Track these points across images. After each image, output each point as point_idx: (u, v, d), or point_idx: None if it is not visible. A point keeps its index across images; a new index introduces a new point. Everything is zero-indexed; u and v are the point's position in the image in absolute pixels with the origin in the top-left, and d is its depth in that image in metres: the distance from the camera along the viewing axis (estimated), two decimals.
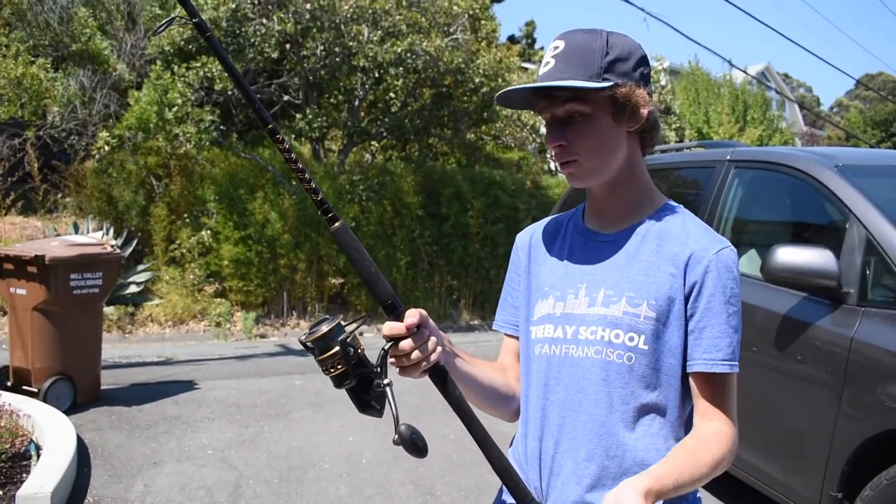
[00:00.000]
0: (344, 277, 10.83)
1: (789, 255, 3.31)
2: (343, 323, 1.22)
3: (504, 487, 1.46)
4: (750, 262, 4.14)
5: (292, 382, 6.85)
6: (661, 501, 1.21)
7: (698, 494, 1.44)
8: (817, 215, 3.90)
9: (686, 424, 1.40)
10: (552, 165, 16.34)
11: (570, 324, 1.40)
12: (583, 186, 1.42)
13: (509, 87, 1.38)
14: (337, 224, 1.24)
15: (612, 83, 1.32)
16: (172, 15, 1.27)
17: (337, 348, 1.18)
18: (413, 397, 5.38)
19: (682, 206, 1.46)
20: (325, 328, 1.19)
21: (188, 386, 6.52)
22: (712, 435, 1.32)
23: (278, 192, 10.56)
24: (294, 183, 10.88)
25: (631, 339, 1.34)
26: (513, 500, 1.40)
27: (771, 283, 3.55)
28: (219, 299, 10.12)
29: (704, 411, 1.35)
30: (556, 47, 1.36)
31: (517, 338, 1.56)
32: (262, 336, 9.83)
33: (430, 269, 11.69)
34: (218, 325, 9.72)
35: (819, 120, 35.75)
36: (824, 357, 3.26)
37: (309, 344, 1.21)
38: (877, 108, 36.10)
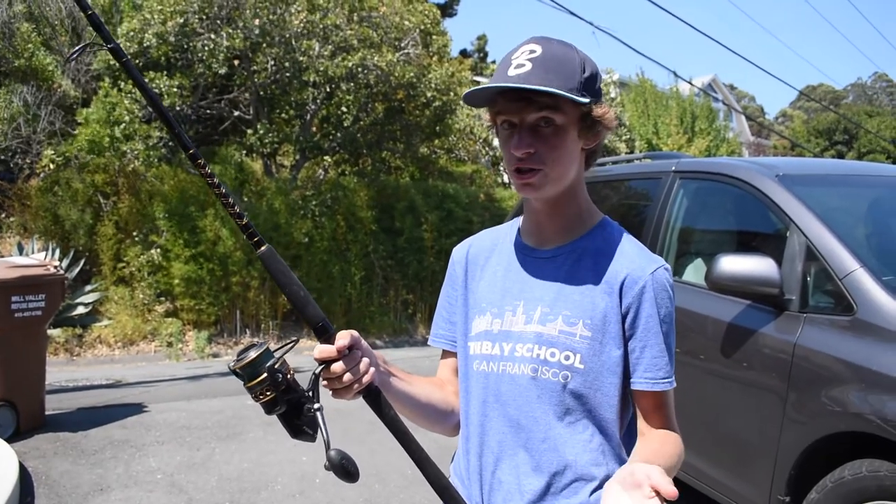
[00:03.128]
0: None
1: (732, 264, 3.36)
2: (271, 349, 1.20)
3: None
4: (696, 271, 4.19)
5: (244, 402, 6.73)
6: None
7: None
8: (760, 224, 3.97)
9: (624, 439, 1.40)
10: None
11: (507, 341, 1.39)
12: (536, 196, 1.39)
13: (483, 85, 1.33)
14: (263, 248, 1.22)
15: (591, 100, 1.32)
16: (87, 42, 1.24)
17: (265, 374, 1.16)
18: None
19: (617, 223, 1.46)
20: (252, 354, 1.17)
21: (137, 409, 6.38)
22: (666, 435, 1.37)
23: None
24: (246, 199, 10.77)
25: (566, 357, 1.34)
26: None
27: (716, 292, 3.59)
28: (170, 319, 9.95)
29: (651, 423, 1.38)
30: (533, 51, 1.32)
31: (453, 353, 1.54)
32: (215, 355, 9.67)
33: (385, 284, 11.65)
34: (170, 345, 9.55)
35: (764, 130, 36.59)
36: (769, 363, 3.31)
37: (238, 370, 1.18)
38: (819, 118, 37.12)
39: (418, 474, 1.32)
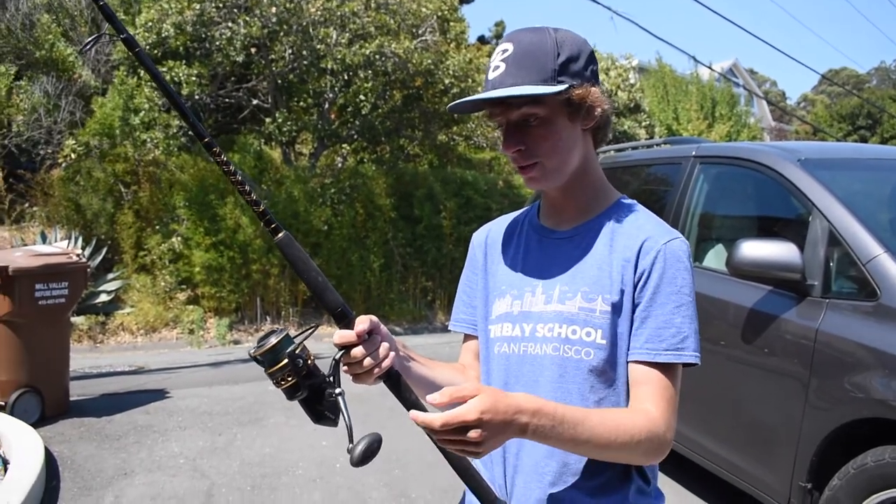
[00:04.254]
0: None
1: (753, 250, 3.33)
2: (291, 335, 1.20)
3: (467, 489, 1.45)
4: (717, 257, 4.16)
5: (265, 388, 6.78)
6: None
7: (656, 484, 1.43)
8: (781, 209, 3.93)
9: None
10: None
11: (528, 322, 1.40)
12: (542, 187, 1.42)
13: (461, 99, 1.38)
14: (280, 235, 1.22)
15: (567, 86, 1.32)
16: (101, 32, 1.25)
17: (286, 360, 1.17)
18: (387, 398, 5.35)
19: (635, 201, 1.47)
20: (272, 340, 1.18)
21: (160, 395, 6.45)
22: (640, 413, 1.28)
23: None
24: (265, 188, 10.81)
25: (588, 334, 1.34)
26: (478, 502, 1.39)
27: (737, 278, 3.57)
28: (191, 306, 10.03)
29: (641, 398, 1.31)
30: (505, 50, 1.34)
31: (476, 337, 1.55)
32: (236, 342, 9.74)
33: (404, 272, 11.67)
34: (191, 332, 9.63)
35: (786, 115, 36.20)
36: (791, 349, 3.28)
37: (258, 357, 1.19)
38: (842, 103, 36.65)
39: (439, 458, 1.33)
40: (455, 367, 1.56)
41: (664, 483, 1.57)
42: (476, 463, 1.48)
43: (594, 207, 1.43)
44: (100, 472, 4.56)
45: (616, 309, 1.34)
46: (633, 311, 1.34)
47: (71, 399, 5.87)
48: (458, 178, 12.67)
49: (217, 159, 1.21)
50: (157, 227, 10.26)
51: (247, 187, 1.19)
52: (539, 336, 1.38)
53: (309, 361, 1.19)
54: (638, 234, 1.37)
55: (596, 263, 1.37)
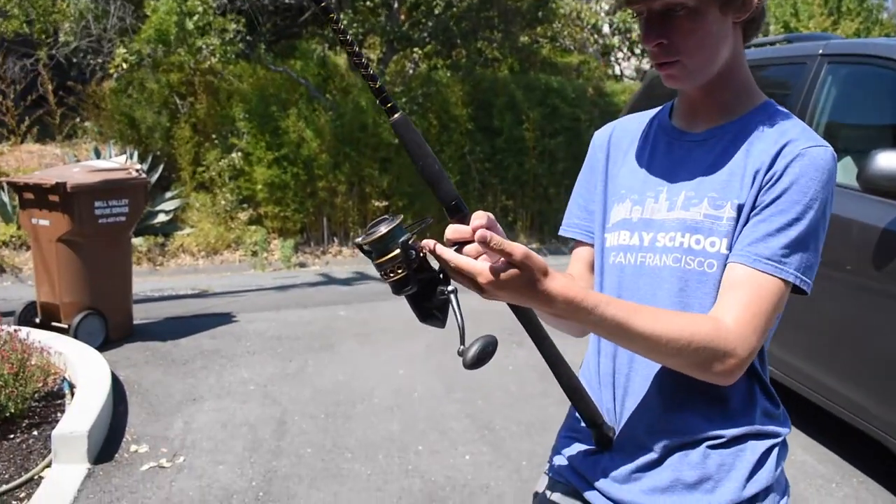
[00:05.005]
0: (388, 200, 10.88)
1: (890, 161, 3.22)
2: (403, 225, 1.20)
3: (573, 409, 1.48)
4: (845, 171, 4.03)
5: (336, 313, 6.98)
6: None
7: (782, 469, 1.42)
8: None
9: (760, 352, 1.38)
10: (617, 69, 16.01)
11: (648, 230, 1.40)
12: (682, 87, 1.40)
13: None
14: (397, 115, 1.21)
15: None
16: None
17: (397, 251, 1.17)
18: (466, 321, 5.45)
19: (783, 107, 1.42)
20: (383, 229, 1.17)
21: (226, 319, 6.70)
22: (708, 319, 1.25)
23: (313, 109, 10.56)
24: (329, 97, 10.86)
25: (712, 244, 1.33)
26: (583, 424, 1.42)
27: (869, 193, 3.47)
28: (254, 227, 10.28)
29: (722, 307, 1.28)
30: None
31: (589, 244, 1.56)
32: (302, 265, 9.99)
33: (482, 189, 11.66)
34: (254, 254, 9.90)
35: None
36: None
37: (366, 247, 1.20)
38: None
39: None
40: (565, 276, 1.57)
41: None
42: (584, 383, 1.51)
43: (736, 109, 1.40)
44: (168, 397, 4.81)
45: (745, 216, 1.32)
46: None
47: (135, 322, 6.17)
48: (542, 85, 12.47)
49: (334, 27, 1.17)
50: (216, 141, 10.46)
51: (363, 59, 1.18)
52: (659, 246, 1.38)
53: (421, 254, 1.20)
54: (780, 138, 1.33)
55: (728, 168, 1.35)
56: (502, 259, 1.12)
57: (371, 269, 10.14)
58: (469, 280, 1.14)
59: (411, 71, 12.24)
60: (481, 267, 1.12)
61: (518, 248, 1.10)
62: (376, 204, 10.83)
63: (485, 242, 1.09)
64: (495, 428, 4.41)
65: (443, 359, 5.39)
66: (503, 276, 1.11)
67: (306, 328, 6.43)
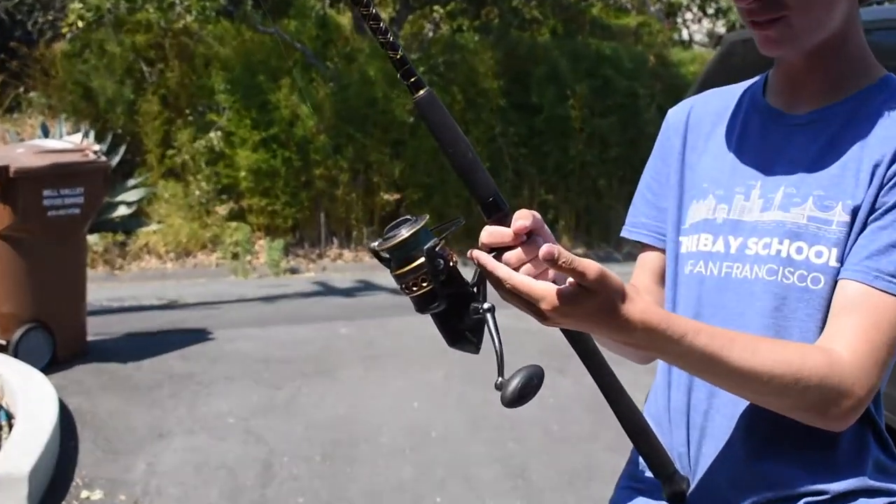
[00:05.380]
0: (401, 192, 10.89)
1: None
2: (429, 227, 1.19)
3: (637, 454, 1.45)
4: None
5: (336, 331, 6.98)
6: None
7: None
8: None
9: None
10: (685, 34, 15.96)
11: (737, 234, 1.37)
12: (781, 54, 1.36)
13: None
14: (422, 92, 1.19)
15: None
16: None
17: (422, 259, 1.14)
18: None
19: None
20: (405, 232, 1.15)
21: (200, 336, 6.71)
22: (818, 351, 1.22)
23: (310, 79, 10.58)
24: (330, 65, 10.88)
25: (818, 254, 1.30)
26: (649, 473, 1.39)
27: None
28: (235, 223, 10.31)
29: (834, 335, 1.24)
30: None
31: (659, 250, 1.54)
32: (294, 271, 10.01)
33: (515, 180, 11.65)
34: (235, 256, 9.92)
35: None
36: None
37: (383, 253, 1.18)
38: None
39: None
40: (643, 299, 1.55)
41: None
42: (650, 422, 1.48)
43: (848, 85, 1.36)
44: (129, 431, 4.81)
45: (861, 222, 1.29)
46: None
47: (88, 339, 6.18)
48: (592, 53, 12.46)
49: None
50: (190, 118, 10.50)
51: (381, 25, 1.17)
52: (750, 254, 1.34)
53: (452, 263, 1.18)
54: None
55: (839, 160, 1.31)
56: (570, 280, 1.09)
57: (379, 277, 10.14)
58: (526, 304, 1.11)
59: (430, 34, 12.26)
60: (544, 290, 1.09)
61: (592, 267, 1.06)
62: (386, 197, 10.85)
63: (551, 260, 1.05)
64: (531, 477, 4.36)
65: (466, 389, 5.36)
66: (573, 301, 1.08)
67: (299, 349, 6.42)
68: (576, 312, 1.09)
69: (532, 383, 1.12)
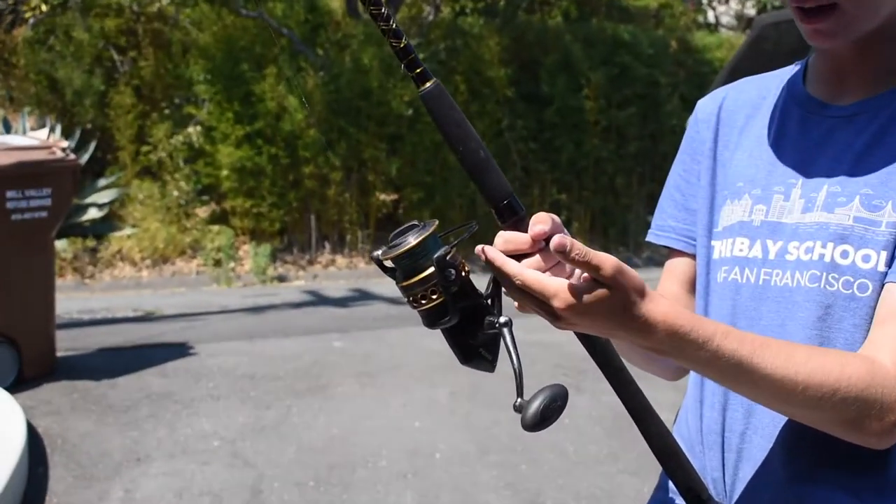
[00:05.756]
0: (399, 192, 10.90)
1: None
2: (438, 233, 1.18)
3: (666, 479, 1.46)
4: None
5: (329, 344, 6.98)
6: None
7: None
8: None
9: None
10: (710, 16, 15.97)
11: (776, 237, 1.37)
12: (833, 45, 1.37)
13: None
14: (429, 84, 1.20)
15: None
16: None
17: (431, 269, 1.14)
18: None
19: None
20: (412, 240, 1.14)
21: (180, 350, 6.72)
22: (860, 360, 1.21)
23: (298, 67, 10.58)
24: (321, 52, 10.89)
25: (865, 258, 1.29)
26: (680, 500, 1.40)
27: None
28: (217, 227, 10.31)
29: (878, 343, 1.24)
30: None
31: (689, 255, 1.55)
32: (282, 279, 10.02)
33: (525, 178, 11.65)
34: (217, 263, 9.93)
35: None
36: None
37: (388, 263, 1.18)
38: None
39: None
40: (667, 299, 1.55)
41: None
42: (681, 443, 1.49)
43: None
44: (103, 455, 4.81)
45: None
46: None
47: (58, 355, 6.19)
48: (608, 38, 12.47)
49: None
50: (167, 111, 10.51)
51: (382, 8, 1.16)
52: (790, 259, 1.35)
53: (463, 273, 1.18)
54: None
55: (888, 155, 1.31)
56: (584, 275, 1.08)
57: (375, 286, 10.14)
58: (538, 303, 1.10)
59: (430, 17, 12.27)
60: (557, 286, 1.07)
61: (608, 261, 1.05)
62: (382, 197, 10.86)
63: (563, 252, 1.04)
64: (544, 502, 4.39)
65: (473, 408, 5.37)
66: (588, 298, 1.06)
67: (289, 364, 6.42)
68: (591, 311, 1.07)
69: (555, 404, 1.10)
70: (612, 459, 4.74)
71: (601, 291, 1.06)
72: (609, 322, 1.10)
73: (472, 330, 1.19)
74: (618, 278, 1.06)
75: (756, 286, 1.39)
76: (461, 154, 1.20)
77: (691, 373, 1.50)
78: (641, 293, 1.08)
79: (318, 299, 8.97)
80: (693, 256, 1.53)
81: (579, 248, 1.03)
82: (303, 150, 10.41)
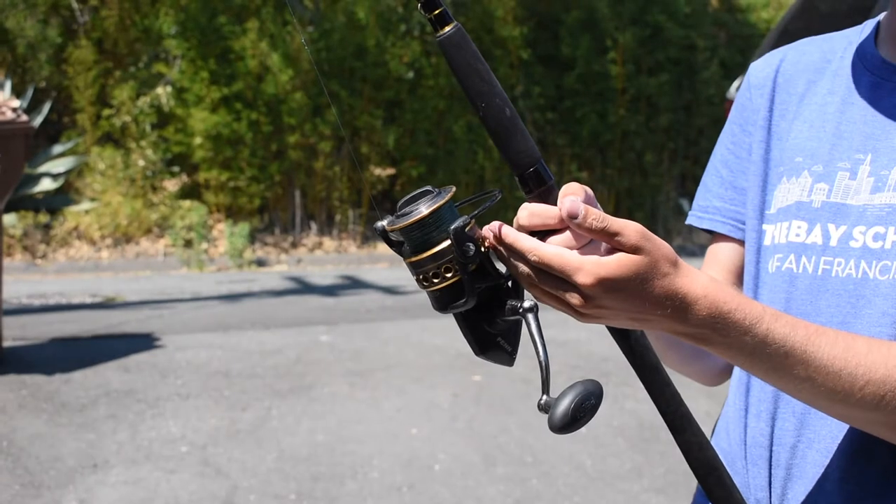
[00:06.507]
0: (396, 166, 10.89)
1: None
2: (455, 202, 1.15)
3: (704, 498, 1.46)
4: None
5: (315, 338, 6.98)
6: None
7: None
8: None
9: None
10: None
11: (839, 221, 1.36)
12: None
13: None
14: (449, 28, 1.15)
15: None
16: None
17: (447, 243, 1.10)
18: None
19: None
20: (424, 209, 1.11)
21: (144, 342, 6.71)
22: None
23: (283, 22, 10.57)
24: (310, 4, 10.88)
25: None
26: None
27: None
28: (188, 202, 10.31)
29: None
30: None
31: (736, 240, 1.54)
32: (262, 262, 10.01)
33: (541, 151, 11.63)
34: (188, 244, 9.92)
35: None
36: None
37: (395, 235, 1.16)
38: None
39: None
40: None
41: None
42: (721, 457, 1.48)
43: None
44: (54, 460, 4.81)
45: None
46: None
47: (4, 345, 6.20)
48: None
49: None
50: (133, 69, 10.49)
51: None
52: (856, 247, 1.33)
53: (483, 248, 1.14)
54: None
55: None
56: (605, 246, 1.05)
57: (368, 272, 10.13)
58: (558, 287, 1.06)
59: None
60: (581, 260, 1.03)
61: (630, 225, 1.02)
62: (377, 172, 10.85)
63: (576, 218, 1.01)
64: None
65: (478, 413, 5.37)
66: (616, 269, 1.02)
67: (268, 361, 6.43)
68: (622, 286, 1.03)
69: (588, 403, 1.06)
70: (636, 475, 4.74)
71: (630, 258, 1.03)
72: (642, 300, 1.05)
73: (490, 316, 1.15)
74: (644, 244, 1.03)
75: (814, 277, 1.36)
76: (483, 112, 1.14)
77: (733, 377, 1.50)
78: (674, 263, 1.06)
79: (303, 287, 8.96)
80: (741, 242, 1.51)
81: (595, 213, 1.01)
82: (287, 116, 10.40)
